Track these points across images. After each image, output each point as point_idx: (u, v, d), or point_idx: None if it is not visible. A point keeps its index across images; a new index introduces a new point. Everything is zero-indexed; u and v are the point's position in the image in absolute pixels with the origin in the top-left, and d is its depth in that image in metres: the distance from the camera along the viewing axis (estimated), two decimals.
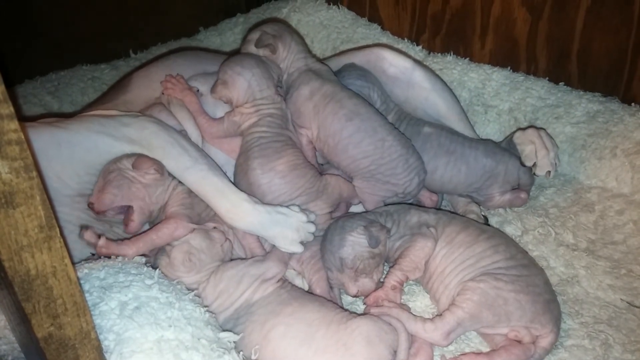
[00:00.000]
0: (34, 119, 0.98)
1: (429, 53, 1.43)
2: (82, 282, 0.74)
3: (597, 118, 1.17)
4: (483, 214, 1.10)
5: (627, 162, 1.10)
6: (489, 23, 1.35)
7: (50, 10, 1.50)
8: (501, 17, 1.33)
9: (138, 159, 0.92)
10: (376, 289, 0.89)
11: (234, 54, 1.12)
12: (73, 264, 0.57)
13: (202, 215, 0.97)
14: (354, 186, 1.05)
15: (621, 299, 0.91)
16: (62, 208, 0.90)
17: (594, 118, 1.18)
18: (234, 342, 0.78)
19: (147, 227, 0.98)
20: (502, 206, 1.11)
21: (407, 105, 1.19)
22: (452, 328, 0.80)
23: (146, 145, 0.94)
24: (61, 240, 0.54)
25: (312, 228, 0.94)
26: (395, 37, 1.48)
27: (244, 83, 1.03)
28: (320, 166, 1.10)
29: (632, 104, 1.19)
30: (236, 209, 0.92)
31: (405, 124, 1.13)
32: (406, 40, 1.46)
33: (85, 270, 0.77)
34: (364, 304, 0.89)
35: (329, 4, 1.60)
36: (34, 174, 0.50)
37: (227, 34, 1.71)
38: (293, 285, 0.90)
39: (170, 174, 0.98)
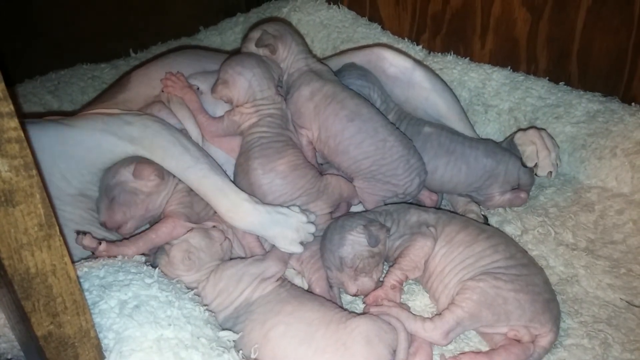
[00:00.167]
0: (34, 117, 0.98)
1: (429, 53, 1.43)
2: (81, 280, 0.74)
3: (597, 118, 1.17)
4: (483, 213, 1.10)
5: (627, 162, 1.10)
6: (489, 23, 1.35)
7: (50, 10, 1.50)
8: (501, 17, 1.33)
9: (137, 168, 0.92)
10: (376, 288, 0.89)
11: (234, 53, 1.12)
12: (73, 262, 0.57)
13: (201, 214, 0.97)
14: (354, 186, 1.05)
15: (620, 299, 0.91)
16: (65, 207, 0.90)
17: (594, 118, 1.18)
18: (234, 341, 0.77)
19: (147, 225, 0.98)
20: (502, 206, 1.11)
21: (408, 105, 1.19)
22: (452, 327, 0.80)
23: (148, 145, 0.94)
24: (61, 238, 0.54)
25: (312, 228, 0.94)
26: (396, 36, 1.48)
27: (245, 83, 1.03)
28: (320, 166, 1.10)
29: (632, 103, 1.19)
30: (237, 208, 0.92)
31: (405, 124, 1.13)
32: (406, 39, 1.46)
33: (85, 269, 0.77)
34: (364, 303, 0.89)
35: (329, 4, 1.60)
36: (34, 172, 0.50)
37: (227, 34, 1.72)
38: (292, 284, 0.90)
39: (171, 174, 0.98)
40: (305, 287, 0.95)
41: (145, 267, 0.81)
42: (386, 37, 1.47)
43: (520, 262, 0.85)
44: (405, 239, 0.91)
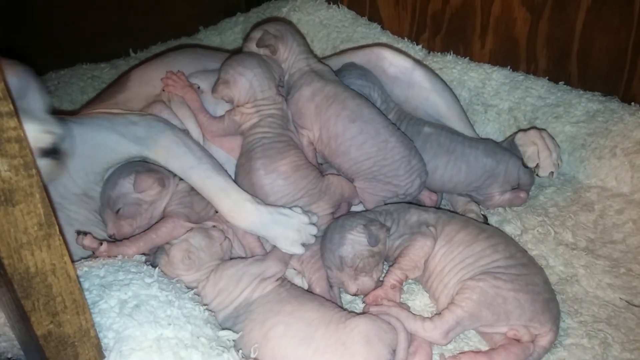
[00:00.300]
0: None
1: (429, 52, 1.43)
2: (82, 280, 0.74)
3: (597, 117, 1.17)
4: (482, 213, 1.10)
5: (626, 162, 1.10)
6: (489, 22, 1.35)
7: (50, 10, 1.50)
8: (501, 17, 1.33)
9: (137, 181, 0.92)
10: (376, 288, 0.89)
11: (234, 52, 1.12)
12: (72, 261, 0.57)
13: (201, 214, 0.97)
14: (354, 186, 1.05)
15: (620, 298, 0.91)
16: (71, 206, 0.90)
17: (593, 117, 1.18)
18: (233, 340, 0.77)
19: None
20: (502, 205, 1.11)
21: (407, 105, 1.19)
22: (451, 327, 0.80)
23: (152, 144, 0.94)
24: (60, 238, 0.54)
25: (313, 230, 0.94)
26: (395, 36, 1.48)
27: (246, 83, 1.03)
28: (320, 166, 1.10)
29: (632, 103, 1.18)
30: (238, 208, 0.92)
31: (405, 124, 1.13)
32: (406, 39, 1.46)
33: (85, 269, 0.77)
34: (363, 302, 0.89)
35: (329, 3, 1.60)
36: (34, 171, 0.50)
37: (227, 34, 1.72)
38: (292, 284, 0.90)
39: (172, 174, 0.98)
40: (305, 286, 0.95)
41: (145, 267, 0.81)
42: (386, 37, 1.47)
43: (520, 261, 0.85)
44: (405, 239, 0.91)
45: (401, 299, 0.91)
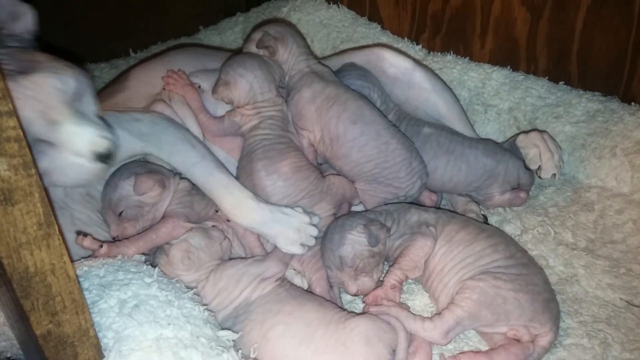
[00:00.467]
0: None
1: (429, 52, 1.43)
2: (81, 279, 0.74)
3: (597, 117, 1.17)
4: (482, 213, 1.10)
5: (626, 162, 1.10)
6: (489, 22, 1.35)
7: (50, 10, 1.50)
8: (501, 17, 1.33)
9: (137, 182, 0.92)
10: (376, 288, 0.89)
11: (234, 51, 1.11)
12: (72, 261, 0.57)
13: (201, 214, 0.97)
14: (355, 186, 1.05)
15: (620, 298, 0.91)
16: (75, 205, 0.90)
17: (593, 117, 1.18)
18: (233, 340, 0.77)
19: None
20: (502, 205, 1.11)
21: (408, 106, 1.19)
22: (451, 327, 0.80)
23: (156, 141, 0.95)
24: (60, 237, 0.54)
25: (314, 231, 0.94)
26: (395, 36, 1.47)
27: (246, 85, 1.03)
28: (319, 166, 1.10)
29: (632, 103, 1.18)
30: (240, 205, 0.92)
31: (405, 124, 1.13)
32: (406, 39, 1.46)
33: (85, 268, 0.77)
34: (363, 302, 0.89)
35: (329, 3, 1.60)
36: (33, 171, 0.50)
37: (227, 33, 1.72)
38: (292, 284, 0.90)
39: (172, 174, 0.98)
40: (305, 286, 0.94)
41: (144, 267, 0.81)
42: (386, 37, 1.47)
43: (520, 261, 0.85)
44: (406, 239, 0.91)
45: (401, 299, 0.91)
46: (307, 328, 0.78)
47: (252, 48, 1.10)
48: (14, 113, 0.48)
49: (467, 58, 1.38)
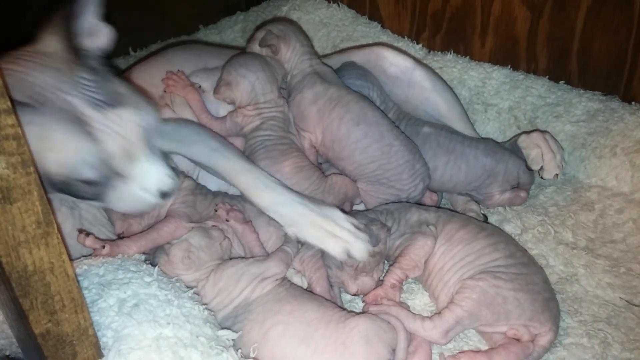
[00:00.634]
0: None
1: (429, 51, 1.43)
2: (81, 278, 0.74)
3: (597, 117, 1.17)
4: (482, 212, 1.10)
5: (627, 161, 1.09)
6: (489, 22, 1.35)
7: (51, 9, 1.50)
8: (501, 16, 1.33)
9: None
10: (376, 287, 0.89)
11: (235, 48, 1.11)
12: (71, 260, 0.57)
13: (203, 214, 0.96)
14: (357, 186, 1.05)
15: (620, 298, 0.90)
16: (82, 204, 0.89)
17: (594, 117, 1.18)
18: (233, 340, 0.77)
19: None
20: (502, 205, 1.11)
21: (408, 105, 1.19)
22: (451, 326, 0.80)
23: (189, 143, 0.96)
24: (59, 236, 0.54)
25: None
26: (395, 35, 1.47)
27: (248, 86, 1.03)
28: (319, 165, 1.10)
29: (632, 102, 1.18)
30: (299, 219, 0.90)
31: (404, 124, 1.12)
32: (406, 38, 1.46)
33: (85, 267, 0.77)
34: (363, 302, 0.89)
35: (329, 2, 1.60)
36: (32, 169, 0.50)
37: (227, 32, 1.71)
38: (292, 284, 0.89)
39: (178, 170, 0.97)
40: (305, 286, 0.94)
41: (144, 266, 0.81)
42: (386, 36, 1.46)
43: (520, 260, 0.85)
44: (406, 238, 0.91)
45: (401, 298, 0.91)
46: (307, 327, 0.78)
47: (255, 47, 1.10)
48: (13, 111, 0.47)
49: (467, 57, 1.38)
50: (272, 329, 0.78)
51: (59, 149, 0.71)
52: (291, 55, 1.09)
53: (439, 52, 1.41)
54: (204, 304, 0.81)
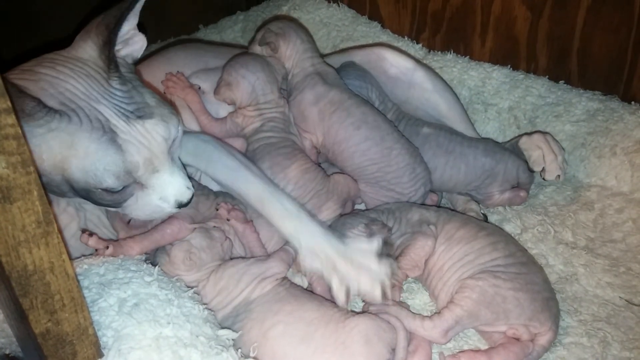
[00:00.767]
0: None
1: (429, 51, 1.42)
2: (81, 278, 0.74)
3: (597, 116, 1.17)
4: (482, 212, 1.10)
5: (626, 161, 1.10)
6: (489, 21, 1.35)
7: (51, 8, 1.50)
8: (501, 16, 1.33)
9: None
10: None
11: (236, 46, 1.11)
12: (71, 259, 0.57)
13: (205, 215, 0.96)
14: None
15: (620, 297, 0.90)
16: (87, 206, 0.89)
17: (593, 116, 1.18)
18: (233, 339, 0.77)
19: None
20: (502, 204, 1.11)
21: (408, 106, 1.18)
22: (451, 326, 0.80)
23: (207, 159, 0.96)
24: (59, 236, 0.54)
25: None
26: (395, 35, 1.47)
27: (248, 87, 1.03)
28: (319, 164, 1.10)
29: (632, 102, 1.18)
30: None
31: (403, 124, 1.12)
32: (406, 38, 1.46)
33: (85, 266, 0.77)
34: (363, 301, 0.89)
35: (329, 2, 1.60)
36: (32, 169, 0.50)
37: (227, 32, 1.71)
38: (292, 283, 0.89)
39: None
40: (305, 285, 0.94)
41: (145, 265, 0.81)
42: (386, 36, 1.46)
43: (519, 260, 0.85)
44: (407, 238, 0.91)
45: (401, 298, 0.91)
46: (307, 327, 0.78)
47: (256, 48, 1.09)
48: (13, 110, 0.47)
49: (467, 57, 1.37)
50: (272, 328, 0.78)
51: (85, 157, 0.71)
52: (291, 52, 1.08)
53: (439, 52, 1.41)
54: (204, 304, 0.81)
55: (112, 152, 0.72)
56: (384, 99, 1.15)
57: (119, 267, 0.78)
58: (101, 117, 0.73)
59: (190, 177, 0.96)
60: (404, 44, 1.44)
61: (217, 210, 0.96)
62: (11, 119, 0.48)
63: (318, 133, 1.04)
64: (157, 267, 0.81)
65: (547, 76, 1.29)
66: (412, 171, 1.02)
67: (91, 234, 0.86)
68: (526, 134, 1.17)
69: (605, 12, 1.18)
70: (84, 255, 0.85)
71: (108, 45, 0.76)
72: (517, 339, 0.81)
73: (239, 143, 1.06)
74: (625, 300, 0.90)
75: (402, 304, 0.87)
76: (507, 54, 1.35)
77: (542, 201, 1.12)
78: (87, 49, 0.77)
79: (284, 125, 1.04)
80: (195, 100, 1.05)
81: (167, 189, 0.79)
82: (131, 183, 0.77)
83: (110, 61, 0.76)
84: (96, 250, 0.86)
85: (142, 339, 0.67)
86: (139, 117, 0.75)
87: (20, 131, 0.49)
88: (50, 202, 0.53)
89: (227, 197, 0.98)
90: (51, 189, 0.76)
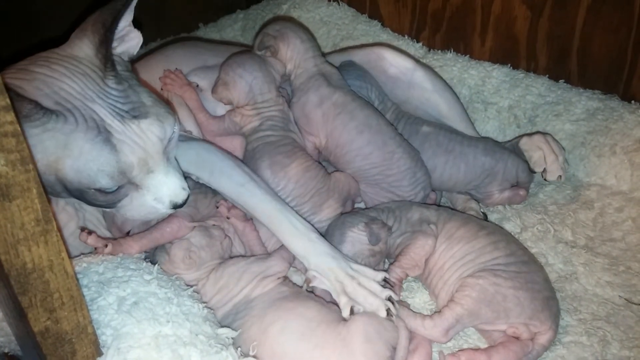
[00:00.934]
0: None
1: (429, 50, 1.42)
2: (80, 276, 0.74)
3: (597, 115, 1.17)
4: (482, 211, 1.10)
5: (626, 160, 1.09)
6: (489, 20, 1.35)
7: (50, 8, 1.50)
8: (501, 15, 1.32)
9: None
10: None
11: (235, 45, 1.10)
12: (70, 257, 0.57)
13: (204, 213, 0.96)
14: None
15: (619, 296, 0.90)
16: (87, 207, 0.89)
17: (593, 115, 1.18)
18: (232, 338, 0.77)
19: None
20: (501, 203, 1.11)
21: (408, 105, 1.18)
22: (451, 325, 0.80)
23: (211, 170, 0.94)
24: (58, 234, 0.54)
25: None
26: (396, 34, 1.47)
27: (245, 86, 1.03)
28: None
29: (632, 101, 1.18)
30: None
31: (403, 123, 1.12)
32: (406, 37, 1.46)
33: (84, 265, 0.77)
34: None
35: (329, 1, 1.59)
36: (31, 166, 0.50)
37: (226, 30, 1.71)
38: (294, 284, 0.89)
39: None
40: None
41: (144, 264, 0.81)
42: (386, 35, 1.46)
43: (520, 259, 0.85)
44: (407, 237, 0.91)
45: (401, 297, 0.90)
46: (307, 324, 0.78)
47: (256, 53, 1.09)
48: (12, 108, 0.47)
49: (467, 56, 1.37)
50: (272, 325, 0.78)
51: (79, 157, 0.71)
52: (292, 53, 1.07)
53: (439, 51, 1.41)
54: (204, 302, 0.81)
55: (106, 153, 0.72)
56: (384, 98, 1.15)
57: (118, 265, 0.78)
58: (96, 117, 0.72)
59: (187, 177, 0.96)
60: (404, 42, 1.43)
61: (217, 208, 0.96)
62: (10, 117, 0.47)
63: (321, 135, 1.04)
64: (156, 265, 0.81)
65: (547, 75, 1.29)
66: (413, 175, 1.02)
67: (90, 232, 0.85)
68: (526, 134, 1.17)
69: (605, 12, 1.18)
70: (83, 254, 0.85)
71: (104, 43, 0.75)
72: (517, 338, 0.81)
73: (237, 141, 1.05)
74: (625, 299, 0.90)
75: (403, 303, 0.87)
76: (507, 53, 1.35)
77: (542, 200, 1.12)
78: (83, 47, 0.77)
79: (283, 124, 1.03)
80: (193, 98, 1.05)
81: (161, 190, 0.79)
82: (125, 183, 0.76)
83: (107, 60, 0.76)
84: (95, 248, 0.86)
85: (142, 338, 0.67)
86: (134, 117, 0.75)
87: (19, 129, 0.48)
88: (49, 201, 0.53)
89: None
90: (44, 189, 0.75)
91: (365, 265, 0.87)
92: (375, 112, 1.05)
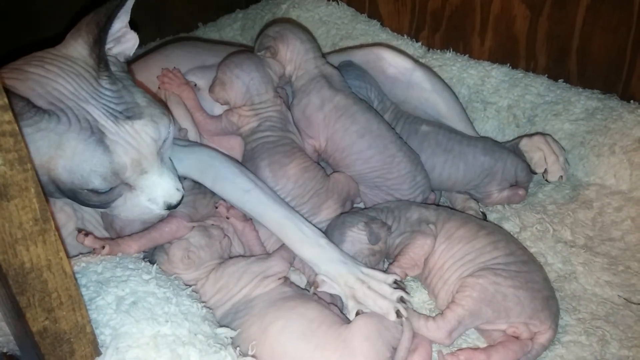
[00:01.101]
0: None
1: (429, 50, 1.42)
2: (79, 276, 0.74)
3: (596, 115, 1.17)
4: (481, 210, 1.10)
5: (625, 159, 1.09)
6: (489, 20, 1.35)
7: (50, 8, 1.49)
8: (501, 14, 1.32)
9: None
10: None
11: (234, 44, 1.10)
12: (68, 257, 0.56)
13: (203, 213, 0.96)
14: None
15: (618, 296, 0.90)
16: (86, 208, 0.89)
17: (592, 115, 1.18)
18: (231, 338, 0.77)
19: None
20: (501, 203, 1.11)
21: (407, 105, 1.18)
22: (454, 327, 0.80)
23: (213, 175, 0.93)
24: (56, 233, 0.54)
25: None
26: (395, 33, 1.47)
27: (242, 87, 1.02)
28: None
29: (631, 101, 1.18)
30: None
31: (402, 123, 1.12)
32: (405, 36, 1.46)
33: (83, 264, 0.77)
34: None
35: (329, 0, 1.59)
36: (29, 166, 0.50)
37: (226, 30, 1.71)
38: (296, 285, 0.89)
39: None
40: (304, 284, 0.94)
41: (143, 263, 0.81)
42: (385, 34, 1.46)
43: (520, 259, 0.85)
44: (406, 237, 0.91)
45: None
46: (308, 324, 0.78)
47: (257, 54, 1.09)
48: (9, 107, 0.47)
49: (467, 55, 1.37)
50: (273, 324, 0.78)
51: (72, 158, 0.71)
52: (292, 54, 1.07)
53: (438, 50, 1.41)
54: (203, 302, 0.81)
55: (99, 153, 0.72)
56: (383, 98, 1.15)
57: (117, 265, 0.78)
58: (89, 117, 0.72)
59: (185, 178, 0.96)
60: (403, 42, 1.43)
61: (216, 208, 0.96)
62: (8, 116, 0.47)
63: (321, 138, 1.04)
64: (155, 265, 0.81)
65: (546, 75, 1.28)
66: (413, 179, 1.02)
67: (87, 234, 0.85)
68: (526, 135, 1.17)
69: (605, 12, 1.18)
70: (81, 254, 0.85)
71: (98, 43, 0.75)
72: (517, 338, 0.81)
73: (236, 141, 1.05)
74: (624, 298, 0.90)
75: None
76: (506, 53, 1.35)
77: (541, 200, 1.12)
78: (77, 47, 0.77)
79: (281, 124, 1.03)
80: (190, 97, 1.05)
81: (155, 191, 0.79)
82: (119, 184, 0.76)
83: (101, 60, 0.75)
84: (93, 249, 0.86)
85: (140, 337, 0.67)
86: (128, 118, 0.74)
87: (17, 128, 0.48)
88: (47, 200, 0.53)
89: None
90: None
91: (365, 264, 0.87)
92: (376, 116, 1.05)
